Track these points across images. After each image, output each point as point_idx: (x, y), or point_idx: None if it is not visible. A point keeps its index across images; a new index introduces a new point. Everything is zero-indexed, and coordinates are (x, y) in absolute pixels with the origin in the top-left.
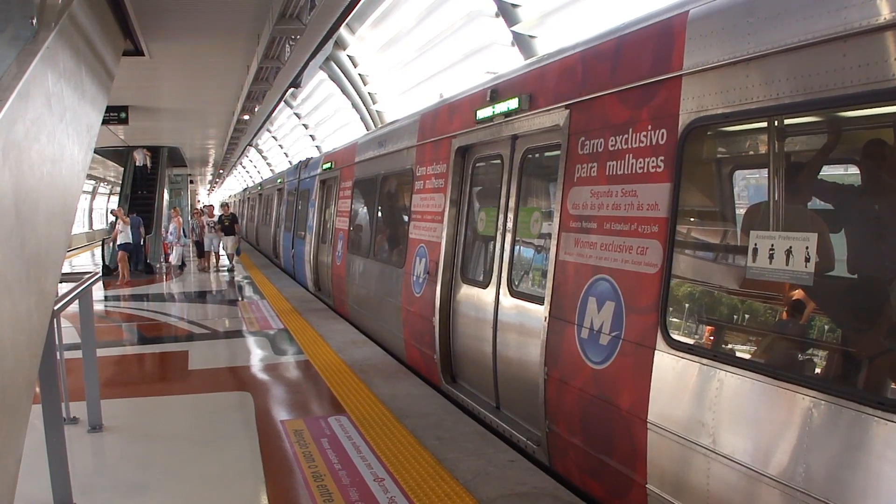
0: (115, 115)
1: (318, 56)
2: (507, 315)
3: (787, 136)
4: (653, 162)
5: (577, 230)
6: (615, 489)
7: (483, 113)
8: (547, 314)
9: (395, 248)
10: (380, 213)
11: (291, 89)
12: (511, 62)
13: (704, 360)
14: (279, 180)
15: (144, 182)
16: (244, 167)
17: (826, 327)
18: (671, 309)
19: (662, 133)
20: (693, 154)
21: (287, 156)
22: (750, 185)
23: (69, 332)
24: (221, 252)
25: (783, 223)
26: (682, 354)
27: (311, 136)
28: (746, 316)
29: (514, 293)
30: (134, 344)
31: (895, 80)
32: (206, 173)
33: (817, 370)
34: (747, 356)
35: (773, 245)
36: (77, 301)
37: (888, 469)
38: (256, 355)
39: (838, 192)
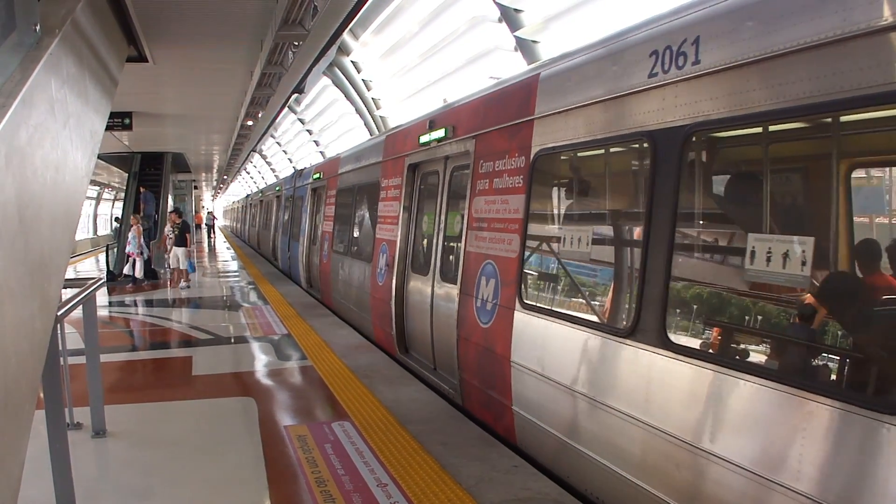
0: (120, 120)
1: (321, 62)
2: (438, 296)
3: (582, 164)
4: (517, 179)
5: (476, 228)
6: (496, 413)
7: (424, 138)
8: (459, 291)
9: (365, 246)
10: (355, 218)
11: (295, 95)
12: (514, 67)
13: (536, 314)
14: (277, 188)
15: (153, 160)
16: (248, 173)
17: (591, 279)
18: (523, 281)
19: (523, 159)
20: (538, 174)
21: (291, 161)
22: (569, 195)
23: (73, 338)
24: (180, 266)
25: (583, 220)
26: (527, 312)
27: (315, 141)
28: (561, 283)
29: (443, 279)
30: (137, 349)
31: (627, 130)
32: (211, 179)
33: (587, 311)
34: (560, 310)
35: (572, 236)
36: (81, 306)
37: (659, 386)
38: (260, 361)
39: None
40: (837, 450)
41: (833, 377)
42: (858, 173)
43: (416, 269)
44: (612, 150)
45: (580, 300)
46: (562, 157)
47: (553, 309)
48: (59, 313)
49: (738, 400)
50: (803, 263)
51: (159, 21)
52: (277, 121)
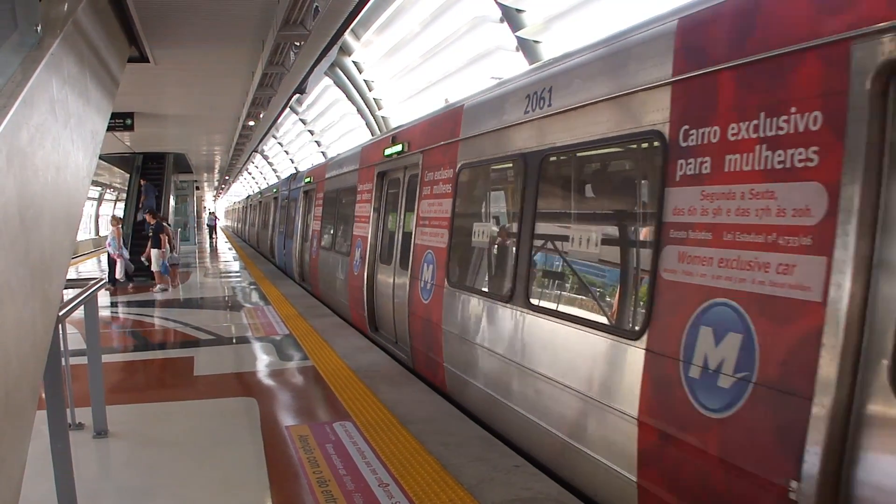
0: (121, 121)
1: (322, 62)
2: (398, 282)
3: (486, 176)
4: (447, 187)
5: (422, 225)
6: (434, 371)
7: (388, 151)
8: (409, 277)
9: (345, 242)
10: (338, 218)
11: (297, 95)
12: (515, 67)
13: (457, 288)
14: (274, 190)
15: (154, 156)
16: (250, 173)
17: (490, 261)
18: (449, 265)
19: (451, 171)
20: (461, 183)
21: (293, 162)
22: (476, 199)
23: (74, 338)
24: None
25: (486, 218)
26: (450, 287)
27: (316, 142)
28: (470, 265)
29: (401, 267)
30: (139, 350)
31: (511, 152)
32: (213, 180)
33: (485, 285)
34: (469, 284)
35: (478, 230)
36: (82, 307)
37: (487, 321)
38: (261, 361)
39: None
40: (610, 365)
41: (606, 320)
42: (633, 184)
43: (383, 261)
44: (502, 166)
45: (482, 277)
46: (474, 171)
47: (464, 284)
48: (60, 313)
49: (565, 339)
50: (596, 246)
51: (161, 21)
52: (279, 121)
